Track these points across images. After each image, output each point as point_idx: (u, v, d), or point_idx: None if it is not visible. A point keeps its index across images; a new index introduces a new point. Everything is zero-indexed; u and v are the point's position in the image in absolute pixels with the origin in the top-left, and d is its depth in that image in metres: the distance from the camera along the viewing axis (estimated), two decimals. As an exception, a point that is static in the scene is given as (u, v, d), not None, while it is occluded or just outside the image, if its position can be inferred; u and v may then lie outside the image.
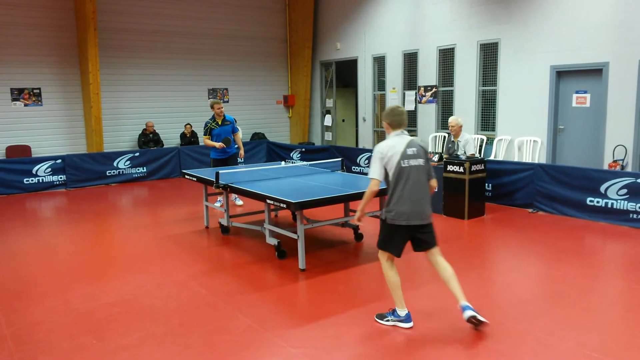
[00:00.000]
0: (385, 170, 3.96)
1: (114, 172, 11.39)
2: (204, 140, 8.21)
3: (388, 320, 4.12)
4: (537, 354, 3.65)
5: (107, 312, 4.50)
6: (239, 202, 8.60)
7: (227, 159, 8.30)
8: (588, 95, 9.00)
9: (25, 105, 11.60)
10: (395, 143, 3.96)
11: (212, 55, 13.85)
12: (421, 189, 3.95)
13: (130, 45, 12.60)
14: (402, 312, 4.08)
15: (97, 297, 4.83)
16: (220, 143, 7.99)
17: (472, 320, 3.87)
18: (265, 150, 13.75)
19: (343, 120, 14.99)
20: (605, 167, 8.56)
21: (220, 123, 8.14)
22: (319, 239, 6.65)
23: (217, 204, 8.12)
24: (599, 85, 8.76)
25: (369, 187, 4.01)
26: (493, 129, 10.46)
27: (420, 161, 3.95)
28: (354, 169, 11.21)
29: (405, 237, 4.01)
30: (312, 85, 15.18)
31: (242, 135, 14.04)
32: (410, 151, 3.92)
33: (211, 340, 3.95)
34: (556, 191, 7.66)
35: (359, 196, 5.77)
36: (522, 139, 9.88)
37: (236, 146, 8.42)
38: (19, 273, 5.60)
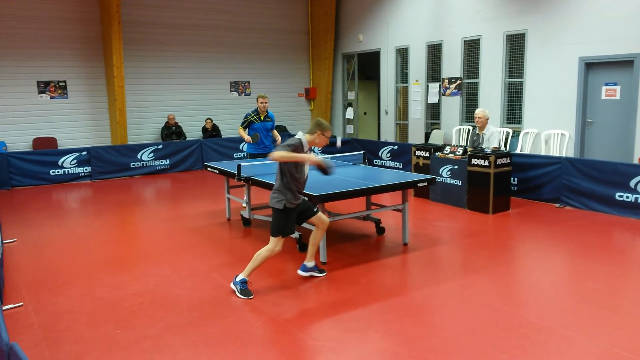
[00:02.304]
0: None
1: (137, 164, 11.53)
2: (239, 130, 7.80)
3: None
4: (564, 351, 3.56)
5: (131, 302, 4.55)
6: (244, 203, 8.29)
7: (265, 155, 7.97)
8: (618, 88, 8.75)
9: (51, 97, 11.80)
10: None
11: (234, 47, 13.87)
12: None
13: (153, 38, 12.71)
14: (308, 264, 5.02)
15: (121, 287, 4.89)
16: (249, 137, 7.57)
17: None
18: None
19: (365, 113, 14.89)
20: (635, 161, 8.32)
21: (262, 118, 7.72)
22: (340, 232, 6.62)
23: (244, 204, 8.02)
24: (629, 77, 8.50)
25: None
26: (519, 122, 10.26)
27: None
28: (375, 162, 11.13)
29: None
30: (333, 78, 15.10)
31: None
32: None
33: (232, 331, 3.96)
34: (584, 186, 7.48)
35: (380, 189, 5.74)
36: (550, 132, 9.67)
37: (276, 142, 7.88)
38: (46, 263, 5.70)
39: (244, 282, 4.64)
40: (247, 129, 7.71)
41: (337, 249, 5.92)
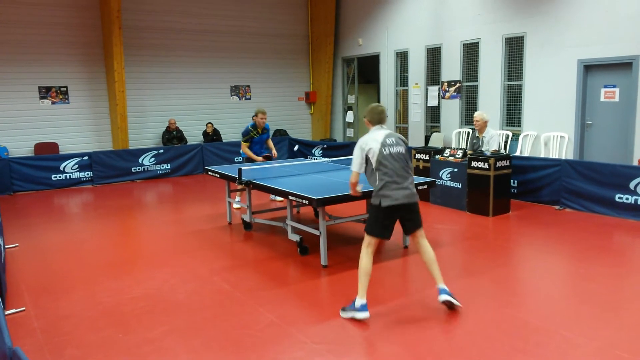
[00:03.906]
0: (368, 159, 4.22)
1: (139, 169, 11.56)
2: (243, 147, 8.01)
3: (346, 313, 4.18)
4: (564, 353, 3.57)
5: (133, 306, 4.57)
6: (278, 198, 8.51)
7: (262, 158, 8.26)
8: (617, 90, 8.77)
9: (53, 103, 11.85)
10: (375, 135, 4.25)
11: (234, 52, 13.93)
12: (403, 172, 4.18)
13: (153, 43, 12.76)
14: (358, 302, 4.12)
15: (123, 291, 4.91)
16: (260, 159, 7.93)
17: (447, 304, 4.20)
18: (287, 146, 13.79)
19: (365, 117, 14.90)
20: (635, 163, 8.34)
21: (260, 132, 8.03)
22: (341, 236, 6.64)
23: (236, 205, 8.18)
24: (628, 79, 8.53)
25: (350, 178, 4.42)
26: (519, 125, 10.28)
27: (401, 148, 4.24)
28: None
29: (392, 219, 4.20)
30: (333, 82, 15.15)
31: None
32: (389, 140, 4.20)
33: (234, 334, 3.98)
34: (584, 188, 7.50)
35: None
36: (549, 135, 9.69)
37: (272, 153, 8.36)
38: (47, 267, 5.72)
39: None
40: (252, 145, 8.02)
41: (338, 252, 5.94)
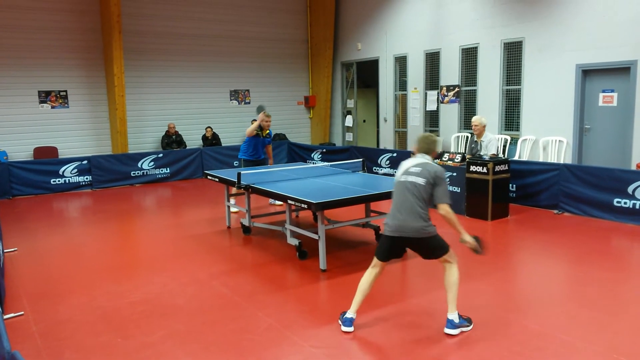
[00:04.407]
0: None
1: (138, 173, 11.56)
2: (249, 129, 8.07)
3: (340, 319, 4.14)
4: (563, 357, 3.58)
5: (132, 310, 4.57)
6: (278, 202, 8.53)
7: (258, 161, 8.36)
8: (615, 94, 8.81)
9: (52, 107, 11.86)
10: (410, 162, 4.09)
11: (234, 57, 13.96)
12: (405, 204, 3.91)
13: (153, 47, 12.78)
14: (347, 315, 4.08)
15: (122, 296, 4.91)
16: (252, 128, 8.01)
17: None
18: (286, 151, 13.80)
19: (364, 121, 14.95)
20: (633, 167, 8.35)
21: (263, 135, 8.25)
22: (340, 240, 6.65)
23: (234, 209, 8.22)
24: (626, 83, 8.56)
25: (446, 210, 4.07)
26: (517, 129, 10.30)
27: (419, 180, 3.92)
28: (375, 169, 11.17)
29: (389, 246, 4.02)
30: (333, 86, 15.18)
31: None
32: (413, 169, 3.98)
33: (233, 339, 3.98)
34: (582, 192, 7.51)
35: (379, 197, 5.75)
36: (547, 139, 9.72)
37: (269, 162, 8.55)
38: (46, 272, 5.72)
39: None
40: (250, 143, 8.20)
41: (337, 256, 5.94)
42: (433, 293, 4.80)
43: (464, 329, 3.97)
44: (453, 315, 3.94)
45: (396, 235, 3.94)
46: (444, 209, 3.91)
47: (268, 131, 8.33)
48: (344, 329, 4.04)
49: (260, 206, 8.59)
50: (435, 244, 3.97)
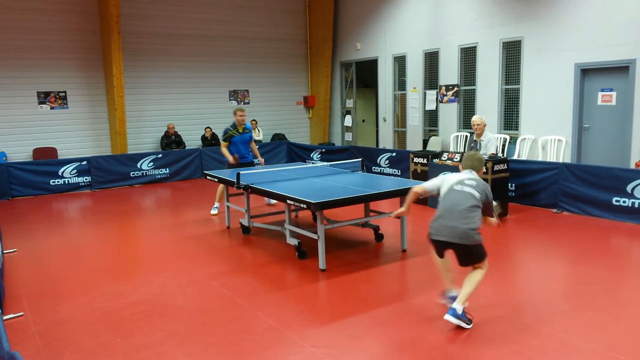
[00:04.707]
0: (439, 191, 4.31)
1: (137, 174, 11.56)
2: (222, 147, 8.01)
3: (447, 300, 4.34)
4: (562, 356, 3.58)
5: (131, 310, 4.57)
6: (273, 201, 8.51)
7: (245, 164, 8.08)
8: (614, 93, 8.82)
9: (52, 108, 11.86)
10: (459, 175, 4.35)
11: (233, 57, 13.96)
12: (459, 211, 4.05)
13: (152, 48, 12.79)
14: (448, 293, 4.33)
15: (122, 296, 4.91)
16: (232, 158, 7.86)
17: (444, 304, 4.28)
18: (286, 151, 13.80)
19: (363, 121, 14.96)
20: (632, 166, 8.36)
21: (240, 131, 7.99)
22: (339, 240, 6.65)
23: (214, 211, 8.21)
24: (625, 82, 8.57)
25: (413, 189, 4.46)
26: (516, 128, 10.31)
27: (476, 193, 4.13)
28: (374, 169, 11.18)
29: (440, 249, 4.23)
30: (332, 86, 15.19)
31: (262, 136, 14.16)
32: (469, 182, 4.21)
33: (232, 339, 3.98)
34: (581, 191, 7.52)
35: (379, 196, 5.76)
36: (546, 138, 9.72)
37: (256, 160, 8.31)
38: (46, 272, 5.72)
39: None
40: (230, 145, 7.97)
41: (336, 255, 5.94)
42: (433, 293, 4.80)
43: (462, 325, 3.99)
44: (458, 306, 4.00)
45: (442, 240, 4.09)
46: (493, 221, 4.41)
47: (244, 125, 8.01)
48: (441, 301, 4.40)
49: (259, 206, 8.60)
50: (477, 252, 4.12)
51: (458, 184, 4.19)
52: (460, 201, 4.07)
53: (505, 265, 5.70)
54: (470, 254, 4.09)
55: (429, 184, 4.43)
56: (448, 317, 4.00)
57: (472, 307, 4.27)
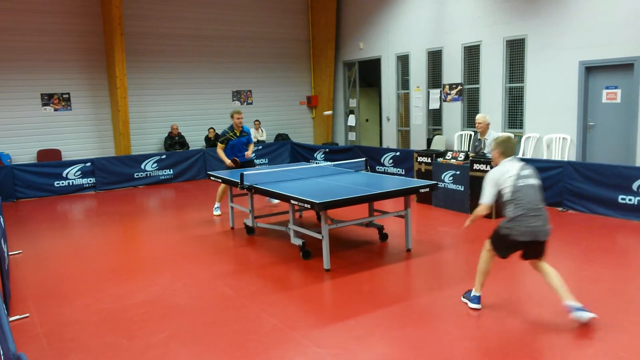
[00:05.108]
0: (500, 192, 4.15)
1: (141, 175, 11.58)
2: (218, 148, 8.01)
3: (464, 298, 4.46)
4: (568, 354, 3.56)
5: (136, 311, 4.57)
6: (275, 201, 8.50)
7: (244, 164, 8.06)
8: (619, 91, 8.77)
9: (55, 110, 11.89)
10: (509, 167, 4.15)
11: (236, 57, 13.97)
12: (538, 208, 4.02)
13: (155, 49, 12.81)
14: (473, 293, 4.35)
15: (126, 297, 4.92)
16: (230, 162, 7.86)
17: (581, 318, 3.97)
18: (289, 151, 13.80)
19: (367, 120, 14.94)
20: (638, 164, 8.32)
21: (238, 134, 7.99)
22: (343, 239, 6.64)
23: (217, 212, 8.25)
24: (630, 80, 8.52)
25: (478, 210, 4.29)
26: (521, 127, 10.27)
27: (535, 181, 4.11)
28: (378, 168, 11.16)
29: (517, 249, 4.17)
30: (335, 86, 15.17)
31: (265, 136, 14.16)
32: (525, 172, 4.10)
33: (237, 339, 3.97)
34: (586, 189, 7.48)
35: (383, 196, 5.75)
36: (551, 137, 9.68)
37: (252, 156, 8.32)
38: (51, 274, 5.73)
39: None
40: (227, 147, 7.97)
41: (341, 255, 5.93)
42: (436, 292, 4.79)
43: (591, 314, 3.91)
44: (575, 302, 3.95)
45: (531, 240, 4.02)
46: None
47: (242, 128, 8.02)
48: (473, 306, 4.30)
49: (263, 206, 8.59)
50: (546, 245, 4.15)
51: (519, 180, 4.04)
52: (534, 197, 4.02)
53: (510, 264, 5.66)
54: (544, 248, 4.13)
55: (489, 198, 4.20)
56: (579, 313, 3.91)
57: (482, 304, 4.25)
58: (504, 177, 4.09)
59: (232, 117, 7.97)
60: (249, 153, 8.15)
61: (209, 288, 5.10)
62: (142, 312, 4.54)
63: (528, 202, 3.99)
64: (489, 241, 4.29)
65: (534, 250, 4.12)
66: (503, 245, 4.16)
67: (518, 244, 4.08)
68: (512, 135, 4.44)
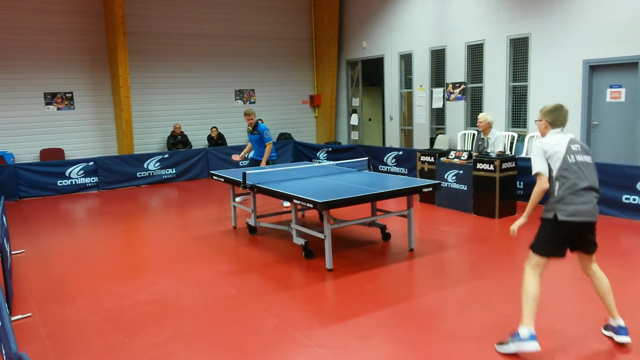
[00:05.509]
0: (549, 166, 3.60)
1: (144, 174, 11.59)
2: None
3: (509, 346, 3.53)
4: (571, 354, 3.54)
5: (138, 311, 4.57)
6: (287, 203, 8.49)
7: (258, 162, 8.54)
8: (623, 90, 8.72)
9: (58, 109, 11.91)
10: (558, 139, 3.67)
11: (239, 56, 13.96)
12: (588, 186, 3.57)
13: (158, 48, 12.81)
14: (524, 331, 3.48)
15: (128, 297, 4.91)
16: (237, 157, 8.95)
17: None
18: (292, 150, 13.79)
19: (370, 119, 14.92)
20: (642, 163, 8.28)
21: (251, 131, 8.55)
22: (346, 239, 6.62)
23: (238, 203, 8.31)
24: (634, 79, 8.48)
25: (537, 185, 3.61)
26: (524, 126, 10.23)
27: (587, 158, 3.64)
28: (380, 168, 11.14)
29: (571, 236, 3.67)
30: (338, 85, 15.15)
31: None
32: (575, 147, 3.62)
33: (239, 339, 3.96)
34: (590, 189, 7.43)
35: (386, 195, 5.73)
36: (554, 136, 9.63)
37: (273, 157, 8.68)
38: (53, 273, 5.74)
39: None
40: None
41: (343, 255, 5.92)
42: (439, 292, 4.77)
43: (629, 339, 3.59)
44: (618, 321, 3.62)
45: (586, 220, 3.55)
46: None
47: (256, 125, 8.49)
48: (530, 346, 3.44)
49: (266, 204, 8.58)
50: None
51: (571, 154, 3.54)
52: (584, 174, 3.54)
53: (514, 264, 5.64)
54: (594, 237, 3.74)
55: (542, 168, 3.59)
56: (624, 339, 3.59)
57: (480, 306, 4.23)
58: (552, 149, 3.57)
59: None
60: (265, 158, 8.42)
61: (211, 287, 5.09)
62: (144, 312, 4.54)
63: (576, 180, 3.50)
64: (532, 253, 3.73)
65: (588, 237, 3.68)
66: (551, 236, 3.62)
67: (568, 227, 3.55)
68: (562, 104, 4.01)
